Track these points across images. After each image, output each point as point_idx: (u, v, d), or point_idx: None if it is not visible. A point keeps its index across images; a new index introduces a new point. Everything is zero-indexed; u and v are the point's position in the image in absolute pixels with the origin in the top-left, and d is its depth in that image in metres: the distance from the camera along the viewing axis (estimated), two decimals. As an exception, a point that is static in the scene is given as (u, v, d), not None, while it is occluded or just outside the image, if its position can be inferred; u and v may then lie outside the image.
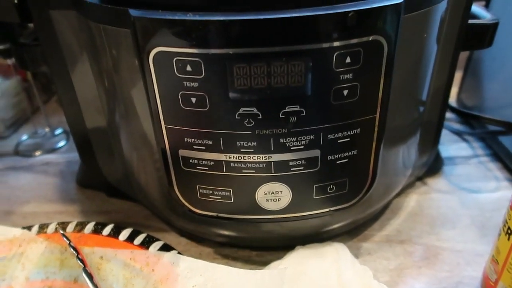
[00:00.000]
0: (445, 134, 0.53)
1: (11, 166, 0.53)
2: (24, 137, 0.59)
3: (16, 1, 0.34)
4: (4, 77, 0.58)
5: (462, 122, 0.57)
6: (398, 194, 0.44)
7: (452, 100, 0.58)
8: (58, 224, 0.38)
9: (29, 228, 0.37)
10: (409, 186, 0.45)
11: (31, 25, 0.44)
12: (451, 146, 0.52)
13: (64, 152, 0.56)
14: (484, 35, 0.38)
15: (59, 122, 0.61)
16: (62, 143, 0.57)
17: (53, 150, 0.56)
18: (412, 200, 0.44)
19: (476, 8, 0.40)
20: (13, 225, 0.41)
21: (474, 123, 0.56)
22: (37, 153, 0.55)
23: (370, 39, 0.25)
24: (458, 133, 0.54)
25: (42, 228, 0.37)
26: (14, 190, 0.49)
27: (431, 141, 0.43)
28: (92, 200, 0.46)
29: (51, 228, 0.37)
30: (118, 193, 0.44)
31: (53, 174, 0.51)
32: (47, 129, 0.59)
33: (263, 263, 0.37)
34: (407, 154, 0.38)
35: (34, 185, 0.49)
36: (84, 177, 0.49)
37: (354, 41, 0.25)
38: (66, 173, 0.51)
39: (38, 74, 0.63)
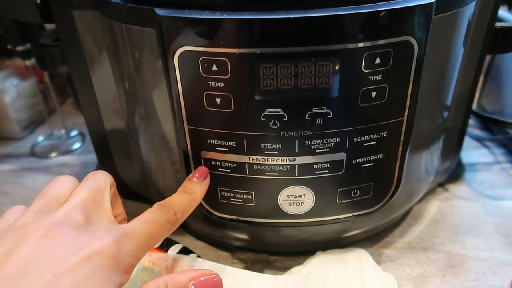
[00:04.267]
0: (465, 140, 0.51)
1: (27, 167, 0.53)
2: (40, 138, 0.59)
3: (38, 1, 0.34)
4: (21, 79, 0.58)
5: (482, 128, 0.56)
6: (419, 200, 0.43)
7: (473, 105, 0.57)
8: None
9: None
10: (430, 192, 0.44)
11: (49, 26, 0.45)
12: (472, 152, 0.51)
13: (79, 154, 0.56)
14: (510, 39, 0.37)
15: (74, 124, 0.61)
16: (77, 145, 0.57)
17: (68, 152, 0.56)
18: (433, 206, 0.43)
19: (501, 12, 0.39)
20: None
21: (495, 129, 0.55)
22: (53, 154, 0.55)
23: (400, 39, 0.25)
24: (478, 139, 0.53)
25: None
26: (30, 191, 0.48)
27: (453, 147, 0.42)
28: (108, 202, 0.46)
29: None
30: (135, 195, 0.44)
31: (69, 176, 0.51)
32: (62, 131, 0.60)
33: (282, 268, 0.36)
34: (430, 159, 0.37)
35: (50, 186, 0.49)
36: (100, 179, 0.48)
37: (385, 41, 0.25)
38: (81, 175, 0.50)
39: (54, 76, 0.64)
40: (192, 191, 0.29)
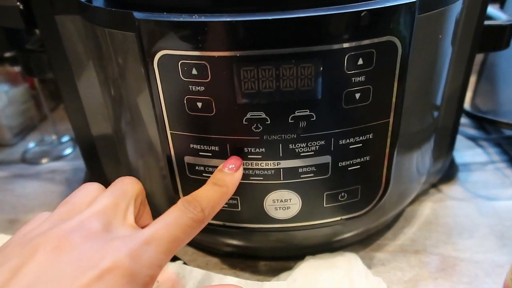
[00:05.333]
0: (459, 140, 0.51)
1: (18, 174, 0.53)
2: (31, 144, 0.59)
3: (21, 7, 0.34)
4: (12, 85, 0.58)
5: (476, 127, 0.55)
6: (412, 202, 0.42)
7: (466, 104, 0.56)
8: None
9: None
10: (423, 194, 0.44)
11: (38, 31, 0.44)
12: (466, 152, 0.51)
13: (70, 160, 0.55)
14: (500, 37, 0.36)
15: (66, 129, 0.61)
16: (69, 151, 0.57)
17: (60, 157, 0.56)
18: (426, 208, 0.42)
19: (491, 9, 0.39)
20: (17, 233, 0.41)
21: (489, 128, 0.54)
22: (44, 160, 0.55)
23: (383, 39, 0.24)
24: (473, 139, 0.53)
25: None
26: (20, 198, 0.48)
27: (445, 147, 0.41)
28: (98, 208, 0.45)
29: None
30: (124, 201, 0.43)
31: (60, 182, 0.51)
32: (54, 137, 0.59)
33: (272, 274, 0.35)
34: (421, 160, 0.37)
35: (40, 193, 0.49)
36: (90, 184, 0.48)
37: (367, 42, 0.24)
38: (72, 181, 0.51)
39: (47, 81, 0.63)
40: (223, 183, 0.26)
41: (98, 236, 0.21)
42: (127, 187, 0.25)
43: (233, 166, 0.27)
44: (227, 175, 0.27)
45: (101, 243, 0.21)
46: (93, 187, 0.26)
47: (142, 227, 0.23)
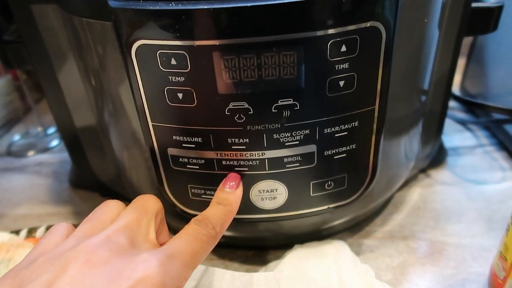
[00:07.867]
0: (448, 124, 0.51)
1: (3, 167, 0.52)
2: (17, 137, 0.57)
3: (-5, -4, 0.32)
4: (-6, 76, 0.57)
5: (466, 110, 0.55)
6: (401, 188, 0.42)
7: (456, 88, 0.56)
8: (47, 227, 0.36)
9: (17, 232, 0.36)
10: (411, 179, 0.44)
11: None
12: (455, 136, 0.51)
13: (57, 152, 0.55)
14: (488, 19, 0.36)
15: (52, 121, 0.59)
16: (55, 143, 0.56)
17: (46, 149, 0.55)
18: (415, 193, 0.42)
19: (479, -9, 0.38)
20: (3, 228, 0.40)
21: (478, 112, 0.54)
22: (30, 153, 0.54)
23: (367, 25, 0.24)
24: (462, 122, 0.53)
25: (31, 232, 0.36)
26: (6, 192, 0.47)
27: (434, 131, 0.41)
28: (85, 200, 0.45)
29: (40, 232, 0.36)
30: (111, 193, 0.43)
31: (46, 175, 0.50)
32: (39, 129, 0.58)
33: (261, 263, 0.35)
34: (409, 145, 0.36)
35: (26, 187, 0.48)
36: (76, 177, 0.47)
37: (350, 27, 0.23)
38: (59, 174, 0.50)
39: (31, 72, 0.62)
40: (227, 202, 0.28)
41: (125, 251, 0.22)
42: (147, 205, 0.26)
43: (233, 183, 0.28)
44: (230, 194, 0.28)
45: (130, 256, 0.21)
46: (114, 204, 0.26)
47: (161, 244, 0.24)
